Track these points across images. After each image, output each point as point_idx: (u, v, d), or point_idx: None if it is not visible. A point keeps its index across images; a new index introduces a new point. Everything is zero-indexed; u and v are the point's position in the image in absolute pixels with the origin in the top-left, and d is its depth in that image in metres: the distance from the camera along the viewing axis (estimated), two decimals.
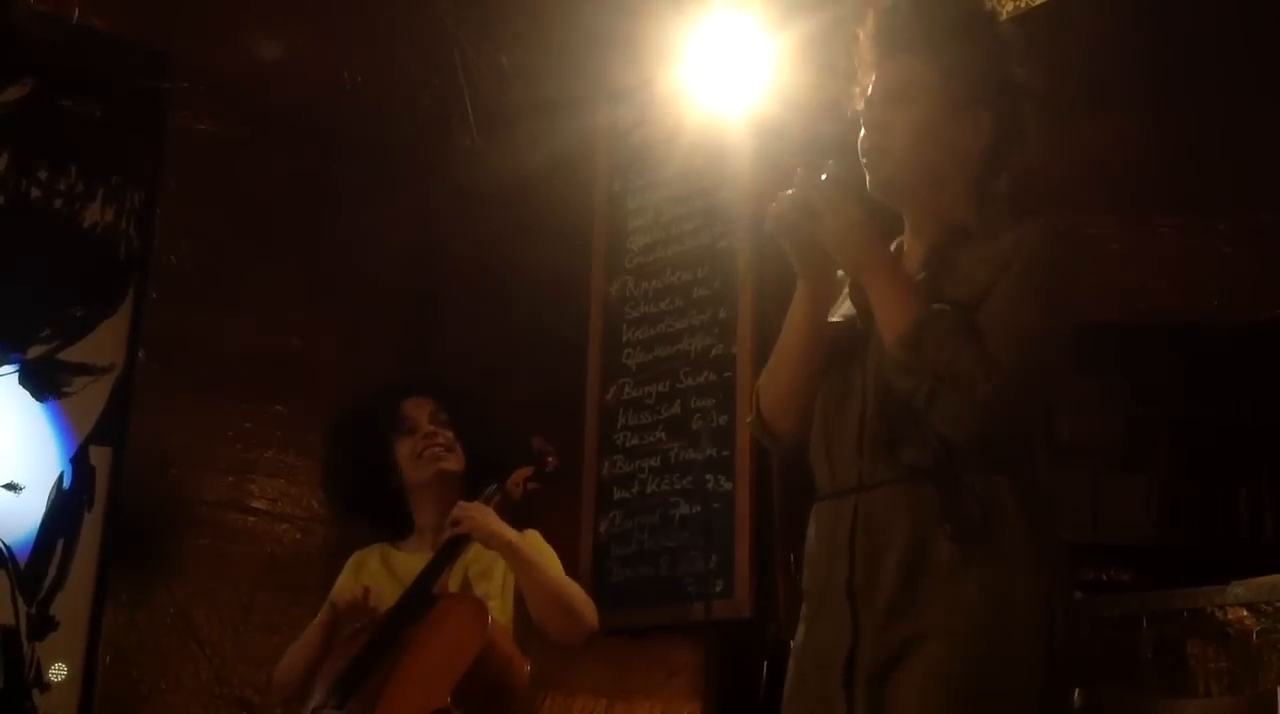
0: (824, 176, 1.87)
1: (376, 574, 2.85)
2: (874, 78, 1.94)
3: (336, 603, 2.72)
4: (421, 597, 2.68)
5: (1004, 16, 3.24)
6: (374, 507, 2.93)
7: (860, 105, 1.95)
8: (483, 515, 2.69)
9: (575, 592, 2.74)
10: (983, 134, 1.90)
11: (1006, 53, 1.96)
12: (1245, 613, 2.60)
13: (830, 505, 1.88)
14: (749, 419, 2.07)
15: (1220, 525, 3.12)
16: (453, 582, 2.76)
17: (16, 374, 3.39)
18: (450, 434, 2.89)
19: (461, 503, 2.74)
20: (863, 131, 1.92)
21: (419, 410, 2.91)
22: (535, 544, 2.76)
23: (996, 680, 1.71)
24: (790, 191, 1.88)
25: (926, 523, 1.77)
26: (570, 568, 2.90)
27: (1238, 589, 2.62)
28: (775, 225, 1.89)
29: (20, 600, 3.28)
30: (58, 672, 3.18)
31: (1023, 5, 3.22)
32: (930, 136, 1.89)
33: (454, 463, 2.87)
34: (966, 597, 1.73)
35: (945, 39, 1.92)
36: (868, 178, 1.91)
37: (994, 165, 1.93)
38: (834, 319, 1.98)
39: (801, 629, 1.90)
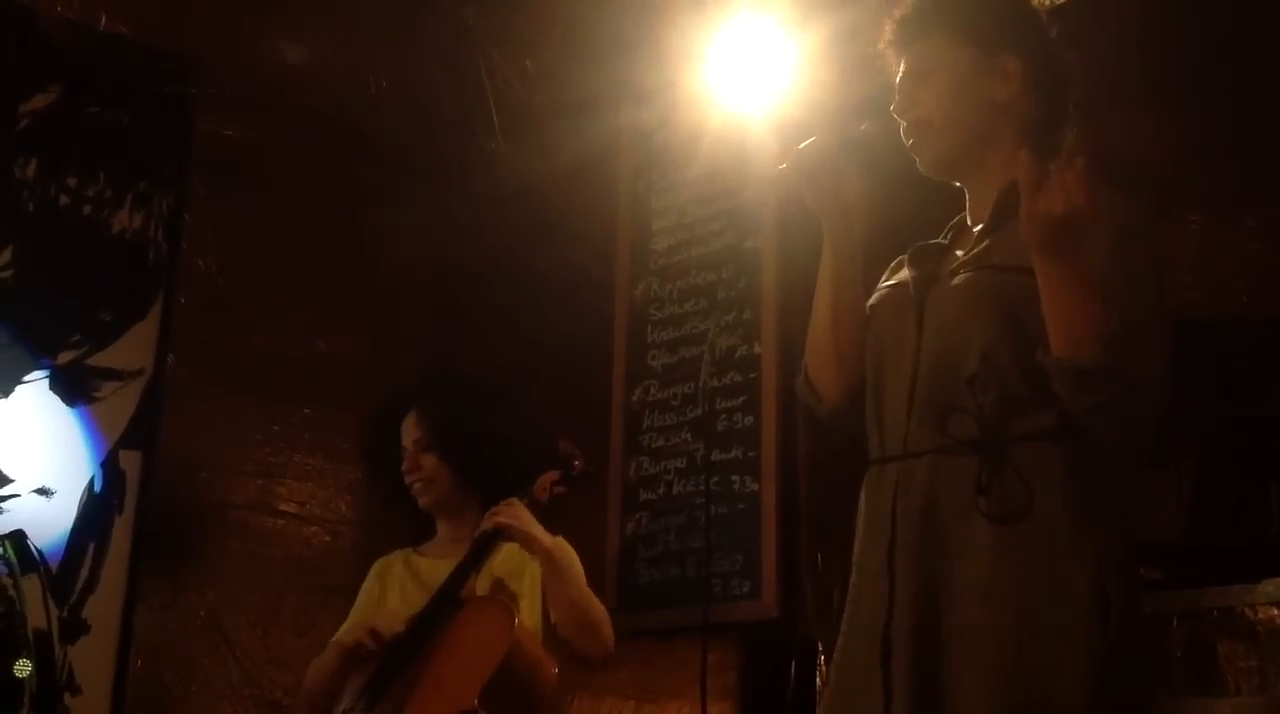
0: (862, 128, 1.88)
1: (401, 580, 2.86)
2: (901, 71, 1.95)
3: (344, 642, 2.71)
4: (450, 599, 2.68)
5: None
6: (404, 507, 2.95)
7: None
8: (525, 517, 2.70)
9: (599, 609, 2.74)
10: (1013, 80, 1.88)
11: (1024, 7, 1.97)
12: (1276, 611, 2.59)
13: (875, 471, 1.85)
14: (797, 380, 2.03)
15: (1251, 523, 3.09)
16: (481, 584, 2.77)
17: (47, 380, 3.42)
18: (432, 459, 2.85)
19: (504, 502, 2.74)
20: (902, 122, 1.93)
21: (409, 434, 2.89)
22: (566, 554, 2.76)
23: (1047, 672, 1.64)
24: (811, 141, 1.89)
25: (966, 495, 1.71)
26: (597, 570, 2.91)
27: (1269, 587, 2.61)
28: (794, 174, 1.90)
29: (52, 604, 3.31)
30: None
31: (1046, 2, 3.21)
32: (959, 97, 1.87)
33: (431, 495, 2.86)
34: (1009, 581, 1.67)
35: (953, 12, 1.92)
36: (918, 160, 1.91)
37: (1043, 117, 1.90)
38: (889, 283, 1.96)
39: (851, 591, 1.86)
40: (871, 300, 1.96)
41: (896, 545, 1.76)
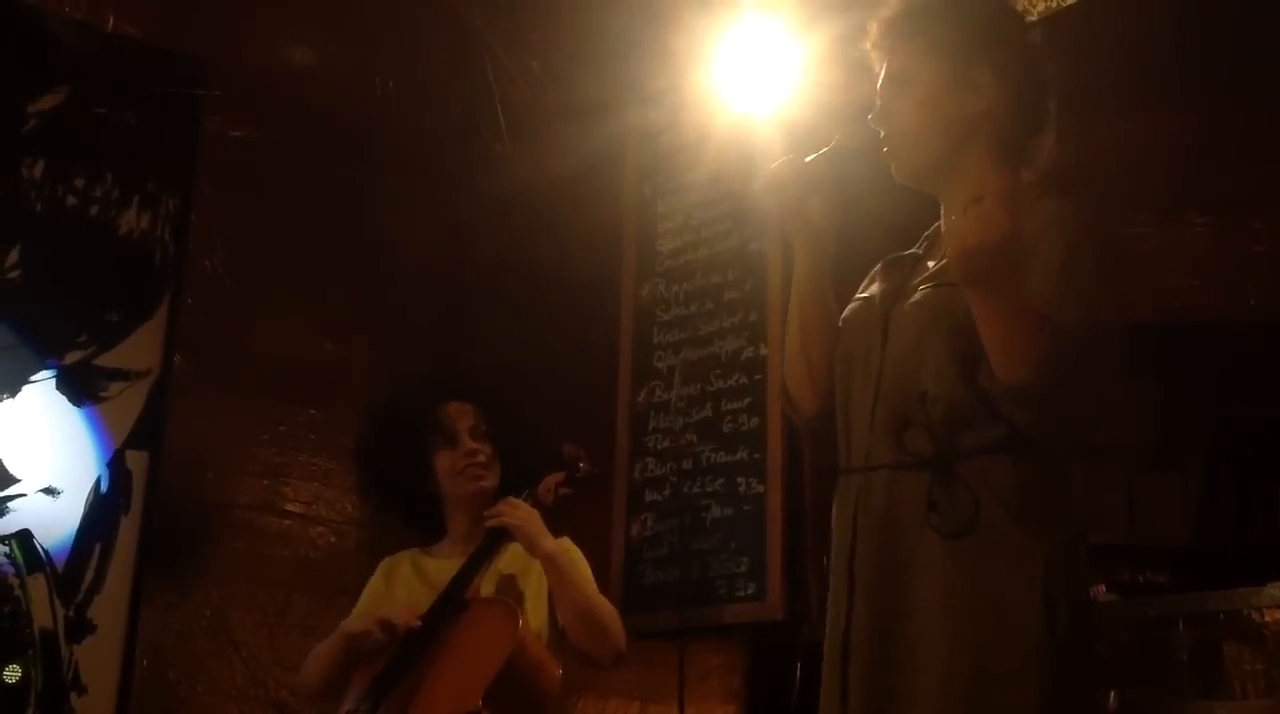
0: (834, 140, 1.91)
1: (408, 580, 2.85)
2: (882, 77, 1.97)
3: (351, 630, 2.70)
4: (454, 600, 2.68)
5: (1035, 16, 3.24)
6: (409, 506, 2.94)
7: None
8: (530, 518, 2.69)
9: (607, 610, 2.73)
10: (985, 91, 1.89)
11: (1003, 17, 1.99)
12: None
13: (843, 481, 1.90)
14: (778, 390, 2.09)
15: (1257, 526, 3.08)
16: (487, 584, 2.77)
17: (54, 380, 3.43)
18: (490, 449, 2.87)
19: (510, 499, 2.74)
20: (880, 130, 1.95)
21: (461, 420, 2.88)
22: (570, 555, 2.76)
23: (997, 681, 1.69)
24: (782, 160, 1.92)
25: (918, 510, 1.76)
26: (602, 571, 2.90)
27: (1274, 591, 2.60)
28: (765, 193, 1.93)
29: (58, 603, 3.31)
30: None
31: (1053, 4, 3.21)
32: (933, 108, 1.89)
33: (491, 480, 2.86)
34: (959, 593, 1.72)
35: (936, 15, 1.94)
36: (893, 169, 1.94)
37: (1014, 128, 1.91)
38: (861, 296, 1.99)
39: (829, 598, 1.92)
40: (844, 313, 2.00)
41: (856, 555, 1.82)
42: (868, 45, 1.99)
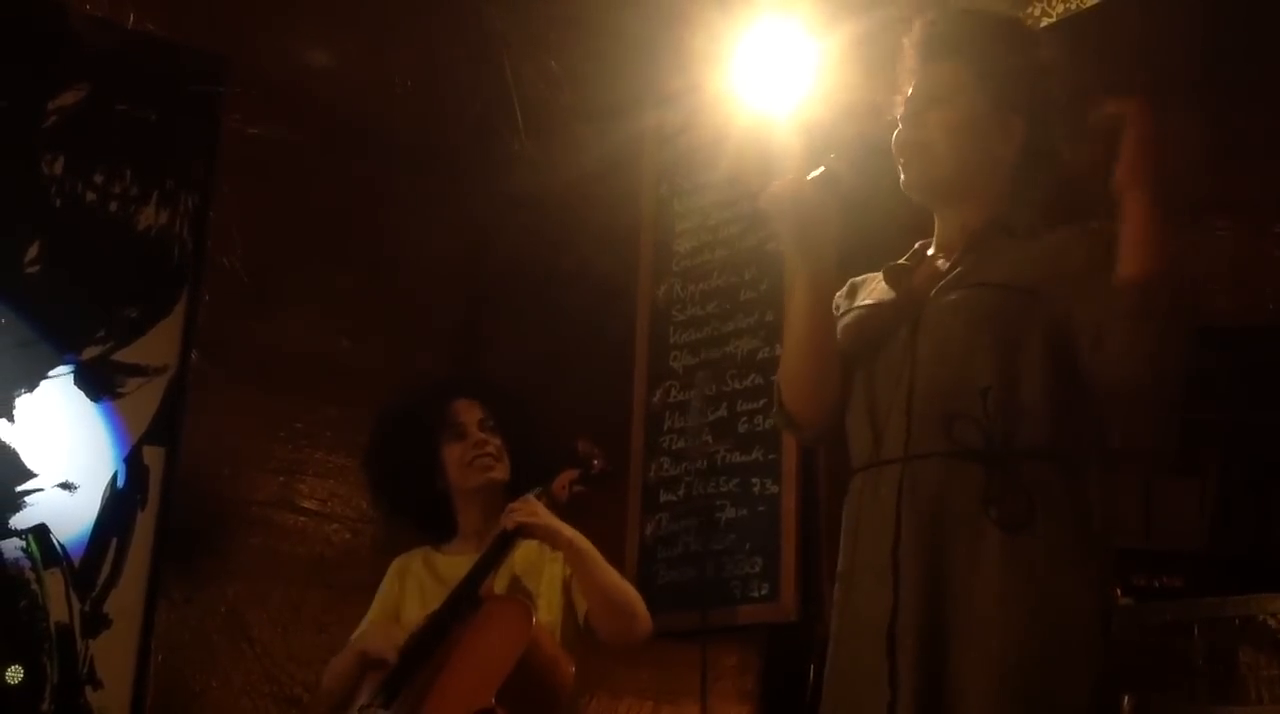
0: (831, 156, 1.93)
1: (420, 578, 2.86)
2: (914, 82, 2.00)
3: (368, 652, 2.70)
4: (467, 597, 2.69)
5: (1055, 18, 3.23)
6: (418, 506, 2.94)
7: (900, 112, 2.01)
8: (543, 513, 2.70)
9: (632, 593, 2.73)
10: (1015, 138, 1.95)
11: (1043, 68, 2.02)
12: None
13: (872, 473, 1.90)
14: (774, 412, 2.10)
15: (1274, 532, 3.07)
16: (499, 582, 2.77)
17: (72, 375, 3.44)
18: (498, 441, 2.88)
19: (521, 499, 2.74)
20: (898, 129, 1.98)
21: (468, 415, 2.90)
22: (588, 543, 2.76)
23: (1052, 676, 1.72)
24: (784, 179, 1.93)
25: (974, 502, 1.78)
26: (615, 570, 2.89)
27: None
28: (770, 212, 1.93)
29: (74, 598, 3.33)
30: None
31: (1073, 6, 3.19)
32: (964, 135, 1.94)
33: (501, 472, 2.87)
34: (1018, 587, 1.74)
35: (983, 47, 1.98)
36: (902, 175, 1.97)
37: (1029, 176, 1.98)
38: (867, 302, 2.01)
39: (840, 598, 1.92)
40: (845, 320, 2.02)
41: (901, 545, 1.81)
42: (906, 41, 2.02)
